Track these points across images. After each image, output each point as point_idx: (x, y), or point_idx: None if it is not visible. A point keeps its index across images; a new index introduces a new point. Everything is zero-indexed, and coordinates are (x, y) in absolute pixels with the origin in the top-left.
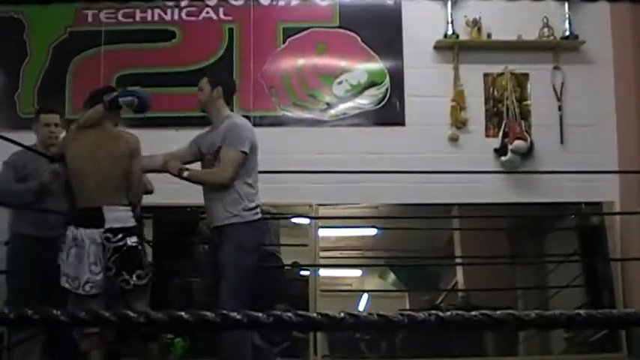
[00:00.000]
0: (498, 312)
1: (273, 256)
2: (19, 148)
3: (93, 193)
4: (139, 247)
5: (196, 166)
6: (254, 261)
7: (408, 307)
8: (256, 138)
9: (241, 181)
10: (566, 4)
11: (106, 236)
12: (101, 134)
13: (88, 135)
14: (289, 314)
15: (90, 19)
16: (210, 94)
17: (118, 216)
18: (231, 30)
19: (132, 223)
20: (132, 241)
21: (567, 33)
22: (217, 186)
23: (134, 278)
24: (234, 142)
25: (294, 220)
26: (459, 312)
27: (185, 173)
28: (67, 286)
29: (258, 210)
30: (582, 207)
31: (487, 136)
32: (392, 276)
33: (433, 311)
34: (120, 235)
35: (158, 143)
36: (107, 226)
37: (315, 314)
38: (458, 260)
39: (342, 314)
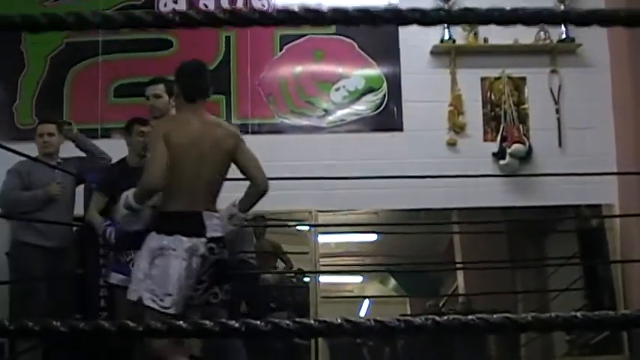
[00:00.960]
0: (495, 315)
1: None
2: (19, 159)
3: (197, 196)
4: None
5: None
6: None
7: (409, 312)
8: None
9: None
10: (562, 7)
11: (209, 246)
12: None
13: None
14: (287, 322)
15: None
16: (168, 102)
17: (217, 224)
18: (228, 38)
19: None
20: (225, 252)
21: (564, 36)
22: None
23: (222, 293)
24: None
25: (294, 226)
26: (456, 316)
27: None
28: (152, 305)
29: None
30: (582, 209)
31: (485, 140)
32: (392, 282)
33: (430, 316)
34: (221, 246)
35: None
36: (209, 234)
37: (312, 321)
38: (458, 265)
39: (339, 320)
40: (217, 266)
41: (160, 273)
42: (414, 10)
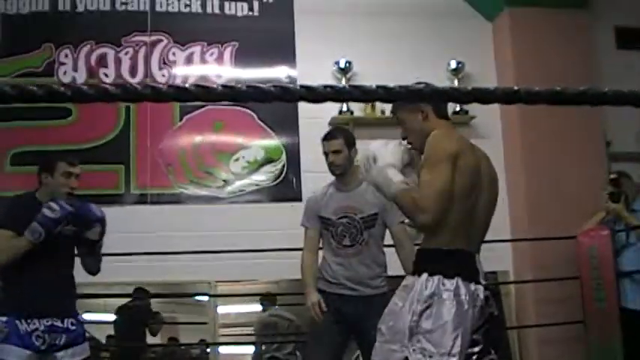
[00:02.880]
0: None
1: None
2: None
3: (478, 232)
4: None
5: None
6: None
7: None
8: None
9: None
10: (456, 81)
11: (486, 295)
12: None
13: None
14: None
15: None
16: (348, 156)
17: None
18: (127, 108)
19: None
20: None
21: (457, 108)
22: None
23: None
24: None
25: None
26: None
27: None
28: None
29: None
30: None
31: None
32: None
33: None
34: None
35: None
36: (484, 282)
37: None
38: None
39: None
40: (492, 323)
41: (432, 326)
42: (302, 87)
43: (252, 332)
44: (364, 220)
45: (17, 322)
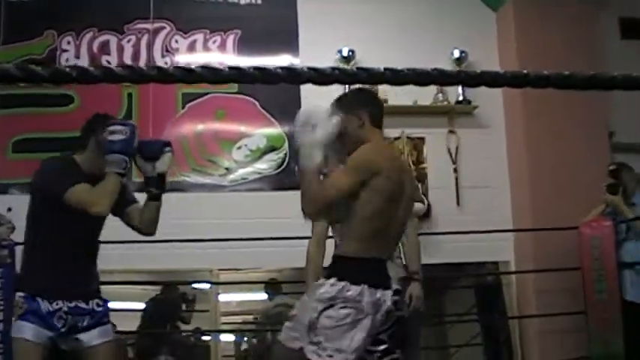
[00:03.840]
0: None
1: None
2: None
3: (393, 240)
4: None
5: None
6: None
7: None
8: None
9: None
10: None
11: (394, 299)
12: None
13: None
14: None
15: None
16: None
17: (398, 272)
18: (130, 95)
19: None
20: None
21: (461, 98)
22: None
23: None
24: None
25: (195, 285)
26: None
27: None
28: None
29: None
30: (479, 267)
31: None
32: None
33: None
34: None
35: None
36: (394, 286)
37: None
38: None
39: None
40: (399, 325)
41: (333, 326)
42: (309, 69)
43: (253, 320)
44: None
45: (40, 300)
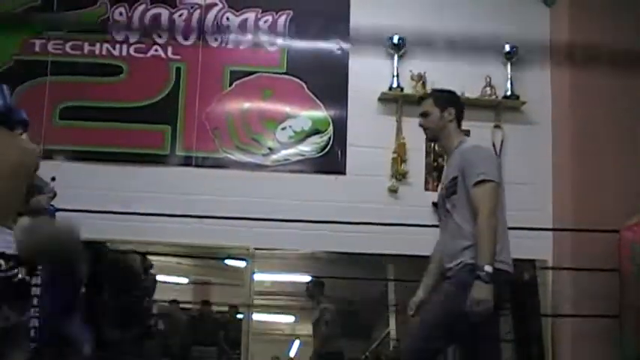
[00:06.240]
0: None
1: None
2: None
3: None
4: None
5: None
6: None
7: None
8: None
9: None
10: (509, 65)
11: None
12: None
13: None
14: None
15: (37, 49)
16: (440, 117)
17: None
18: (178, 69)
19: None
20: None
21: (509, 93)
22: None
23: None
24: (481, 170)
25: (230, 262)
26: None
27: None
28: None
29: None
30: (516, 264)
31: (426, 189)
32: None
33: None
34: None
35: (98, 178)
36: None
37: None
38: (392, 309)
39: None
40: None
41: None
42: None
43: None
44: (447, 187)
45: None
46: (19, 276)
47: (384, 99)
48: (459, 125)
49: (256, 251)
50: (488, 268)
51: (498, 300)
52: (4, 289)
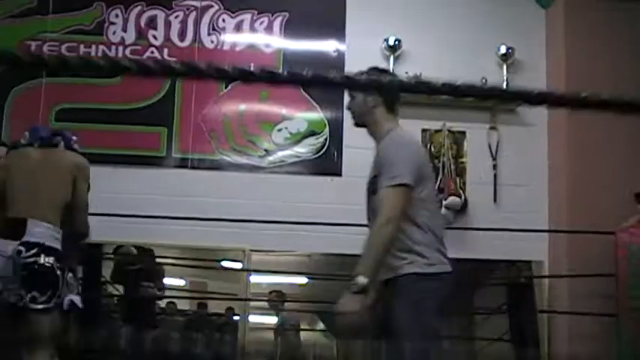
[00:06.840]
0: None
1: None
2: None
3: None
4: None
5: None
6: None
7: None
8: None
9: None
10: (505, 67)
11: (18, 249)
12: None
13: None
14: None
15: (33, 51)
16: (364, 101)
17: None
18: None
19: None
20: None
21: None
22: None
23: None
24: (394, 173)
25: (226, 264)
26: None
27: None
28: None
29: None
30: (513, 265)
31: None
32: (321, 325)
33: None
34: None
35: (93, 180)
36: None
37: None
38: None
39: None
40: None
41: None
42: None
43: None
44: (368, 184)
45: None
46: (40, 261)
47: None
48: (391, 111)
49: (252, 253)
50: (361, 280)
51: (436, 303)
52: (27, 275)
